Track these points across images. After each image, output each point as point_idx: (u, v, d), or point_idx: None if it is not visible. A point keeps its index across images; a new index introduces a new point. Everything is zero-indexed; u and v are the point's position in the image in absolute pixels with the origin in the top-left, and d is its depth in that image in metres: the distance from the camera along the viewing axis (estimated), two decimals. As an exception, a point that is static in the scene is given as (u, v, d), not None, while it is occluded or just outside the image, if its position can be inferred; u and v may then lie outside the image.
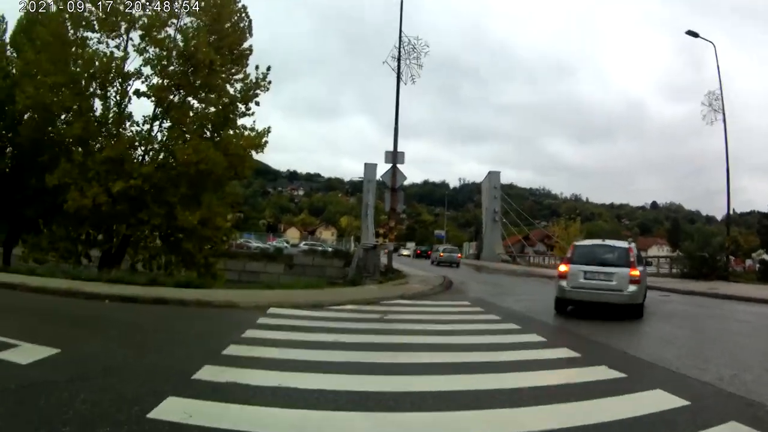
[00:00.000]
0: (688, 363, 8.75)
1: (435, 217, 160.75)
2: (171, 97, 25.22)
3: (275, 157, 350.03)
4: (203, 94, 25.88)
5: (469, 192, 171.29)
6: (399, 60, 25.89)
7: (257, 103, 26.75)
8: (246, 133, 26.67)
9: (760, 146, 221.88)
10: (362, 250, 35.59)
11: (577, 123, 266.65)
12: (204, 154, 23.94)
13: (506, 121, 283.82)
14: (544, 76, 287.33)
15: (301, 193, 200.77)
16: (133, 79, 24.49)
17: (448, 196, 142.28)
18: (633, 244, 16.76)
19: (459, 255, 60.09)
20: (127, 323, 11.13)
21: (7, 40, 28.06)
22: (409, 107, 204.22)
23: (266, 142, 26.60)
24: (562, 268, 15.61)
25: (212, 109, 26.14)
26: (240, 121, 26.63)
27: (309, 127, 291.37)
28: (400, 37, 26.06)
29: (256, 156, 27.14)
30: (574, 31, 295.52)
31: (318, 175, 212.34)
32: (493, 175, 77.26)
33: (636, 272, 14.73)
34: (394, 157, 23.82)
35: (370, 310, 14.38)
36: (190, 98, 25.73)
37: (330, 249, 66.88)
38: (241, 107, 26.59)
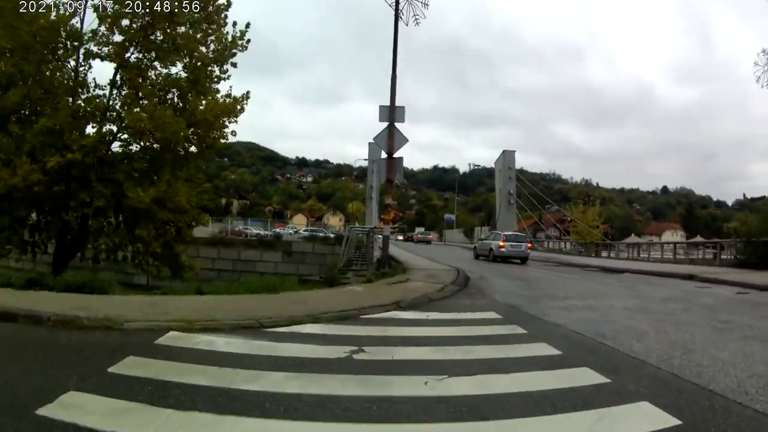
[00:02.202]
0: None
1: (445, 202, 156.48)
2: (126, 56, 21.33)
3: (284, 144, 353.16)
4: (165, 53, 21.81)
5: (479, 177, 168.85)
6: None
7: (234, 65, 22.79)
8: (218, 97, 22.75)
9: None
10: (354, 237, 29.88)
11: (587, 107, 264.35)
12: (161, 121, 20.14)
13: (515, 106, 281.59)
14: (552, 59, 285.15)
15: (309, 179, 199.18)
16: (88, 41, 21.06)
17: (458, 180, 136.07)
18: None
19: (431, 236, 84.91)
20: None
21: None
22: (416, 93, 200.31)
23: (242, 108, 22.70)
24: (502, 243, 31.94)
25: (180, 71, 22.38)
26: (215, 86, 22.89)
27: (317, 114, 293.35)
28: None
29: (233, 126, 22.91)
30: (580, 13, 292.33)
31: (327, 162, 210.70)
32: (507, 155, 70.55)
33: (530, 244, 38.11)
34: (392, 112, 17.58)
35: (339, 337, 8.38)
36: (148, 56, 21.90)
37: (332, 235, 61.39)
38: (216, 70, 22.72)
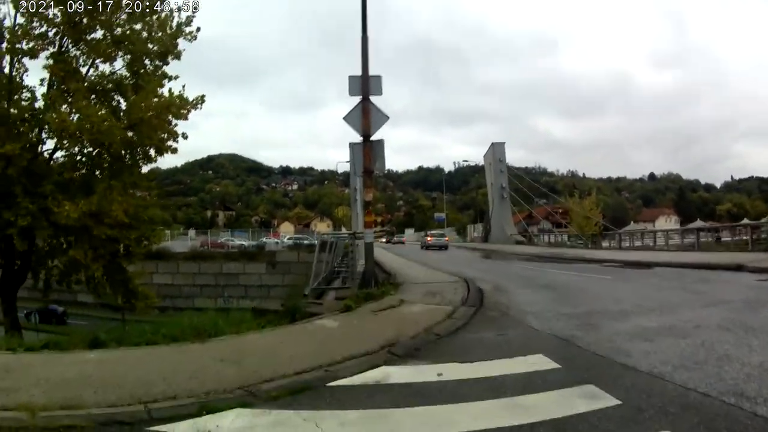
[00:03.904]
0: None
1: (432, 202, 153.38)
2: (52, 49, 19.07)
3: (267, 153, 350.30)
4: (99, 44, 19.11)
5: (464, 175, 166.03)
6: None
7: (178, 56, 20.45)
8: (161, 92, 20.00)
9: (753, 110, 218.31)
10: (340, 244, 26.09)
11: (566, 98, 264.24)
12: (89, 121, 17.58)
13: (493, 101, 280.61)
14: (525, 51, 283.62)
15: (295, 187, 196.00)
16: (17, 39, 18.56)
17: (444, 179, 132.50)
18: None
19: (404, 238, 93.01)
20: None
21: None
22: (391, 94, 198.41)
23: (189, 109, 20.20)
24: (429, 238, 56.81)
25: (122, 68, 19.96)
26: (163, 85, 20.27)
27: (296, 121, 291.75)
28: None
29: (183, 125, 20.46)
30: (550, 3, 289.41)
31: (311, 169, 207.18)
32: (497, 147, 66.15)
33: (447, 238, 60.40)
34: (365, 83, 13.26)
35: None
36: (80, 48, 19.47)
37: (317, 242, 57.49)
38: (159, 64, 20.43)
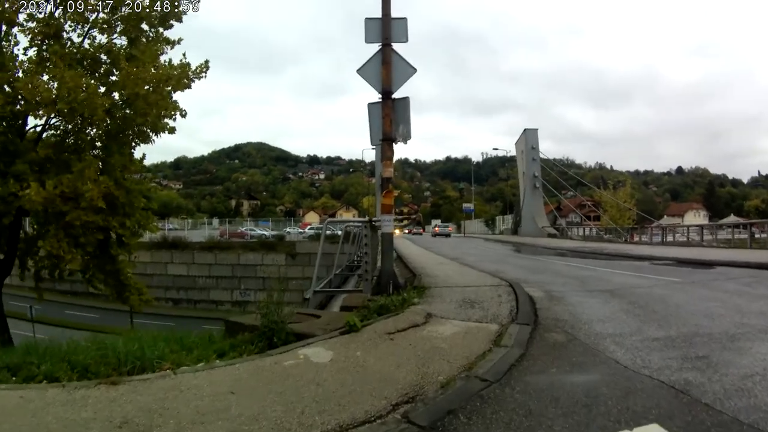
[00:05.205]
0: None
1: (459, 193, 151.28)
2: (33, 11, 17.15)
3: (294, 142, 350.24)
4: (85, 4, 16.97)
5: (492, 166, 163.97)
6: None
7: (180, 20, 18.53)
8: (161, 61, 18.18)
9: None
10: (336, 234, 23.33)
11: (593, 88, 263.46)
12: (67, 88, 15.20)
13: (519, 91, 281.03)
14: (551, 39, 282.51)
15: (322, 177, 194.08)
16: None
17: (473, 170, 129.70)
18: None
19: (422, 230, 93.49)
20: None
21: None
22: (419, 82, 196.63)
23: (192, 77, 18.19)
24: (436, 229, 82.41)
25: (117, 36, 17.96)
26: (163, 53, 18.61)
27: (322, 110, 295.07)
28: None
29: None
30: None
31: (338, 158, 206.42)
32: (529, 134, 62.01)
33: (451, 228, 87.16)
34: (385, 27, 10.13)
35: None
36: (64, 13, 17.25)
37: (339, 232, 54.77)
38: (159, 30, 18.56)
